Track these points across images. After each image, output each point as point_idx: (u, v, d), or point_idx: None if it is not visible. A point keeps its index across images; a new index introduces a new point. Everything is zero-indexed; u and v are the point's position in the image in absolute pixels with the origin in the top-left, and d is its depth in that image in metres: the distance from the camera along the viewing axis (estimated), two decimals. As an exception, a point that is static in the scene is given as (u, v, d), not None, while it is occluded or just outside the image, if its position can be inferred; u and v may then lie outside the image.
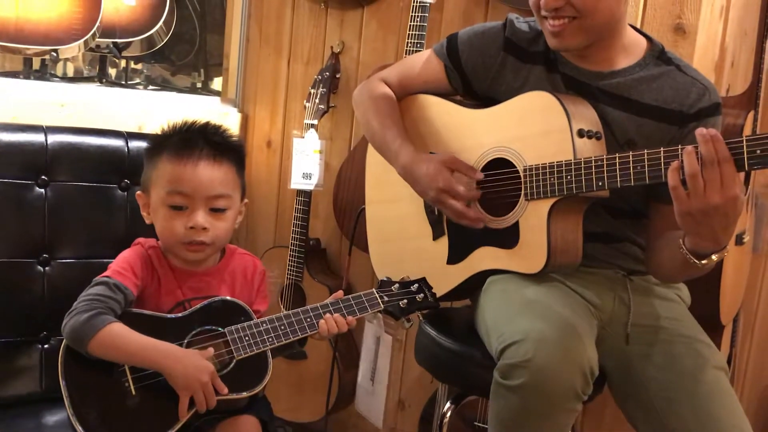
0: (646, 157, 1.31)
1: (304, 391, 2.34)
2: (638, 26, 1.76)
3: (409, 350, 2.29)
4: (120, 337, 1.28)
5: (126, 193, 1.62)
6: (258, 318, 1.41)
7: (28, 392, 1.51)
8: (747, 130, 1.85)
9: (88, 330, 1.27)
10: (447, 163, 1.53)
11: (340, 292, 1.45)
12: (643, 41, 1.54)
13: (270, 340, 1.35)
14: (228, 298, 1.41)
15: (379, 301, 1.43)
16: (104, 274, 1.36)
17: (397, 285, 1.45)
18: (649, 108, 1.48)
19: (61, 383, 1.30)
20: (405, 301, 1.44)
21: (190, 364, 1.28)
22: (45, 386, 1.52)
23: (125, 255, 1.41)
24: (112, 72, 2.87)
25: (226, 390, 1.29)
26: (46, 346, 1.53)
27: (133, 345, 1.29)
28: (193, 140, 1.39)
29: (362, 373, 2.25)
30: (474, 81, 1.63)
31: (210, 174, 1.38)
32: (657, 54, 1.51)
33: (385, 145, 1.65)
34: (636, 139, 1.48)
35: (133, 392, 1.29)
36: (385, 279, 1.48)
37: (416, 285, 1.46)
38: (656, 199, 1.49)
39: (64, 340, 1.32)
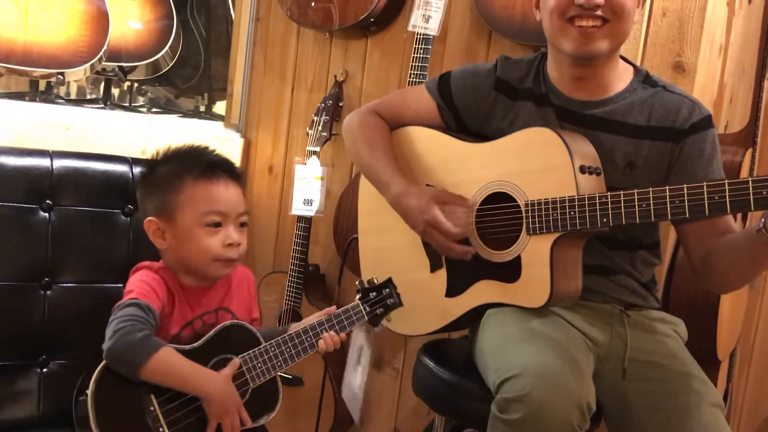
0: (651, 195, 1.33)
1: (300, 417, 2.34)
2: (638, 63, 1.79)
3: (406, 379, 2.28)
4: (172, 363, 1.32)
5: (129, 218, 1.63)
6: (255, 325, 1.47)
7: (25, 416, 1.50)
8: (745, 168, 1.88)
9: (144, 351, 1.29)
10: (436, 198, 1.55)
11: (333, 308, 1.48)
12: (630, 68, 1.58)
13: (279, 364, 1.41)
14: (237, 322, 1.44)
15: (364, 312, 1.47)
16: (130, 297, 1.36)
17: (374, 293, 1.48)
18: (643, 128, 1.51)
19: (90, 416, 1.29)
20: (381, 309, 1.48)
21: (229, 393, 1.34)
22: (42, 410, 1.51)
23: (143, 278, 1.41)
24: (116, 92, 2.89)
25: (250, 422, 1.36)
26: (44, 369, 1.53)
27: (183, 371, 1.33)
28: (210, 162, 1.46)
29: (347, 371, 2.24)
30: (466, 119, 1.65)
31: (236, 192, 1.46)
32: (642, 79, 1.56)
33: (375, 175, 1.66)
34: (635, 161, 1.51)
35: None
36: (360, 287, 1.49)
37: (387, 289, 1.49)
38: (685, 221, 1.49)
39: (98, 373, 1.30)
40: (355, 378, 2.16)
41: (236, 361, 1.37)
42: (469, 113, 1.64)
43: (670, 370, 1.46)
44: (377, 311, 1.47)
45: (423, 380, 1.63)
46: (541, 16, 1.53)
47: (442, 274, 1.62)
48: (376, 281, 1.48)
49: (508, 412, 1.29)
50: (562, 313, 1.52)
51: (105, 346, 1.30)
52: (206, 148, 1.51)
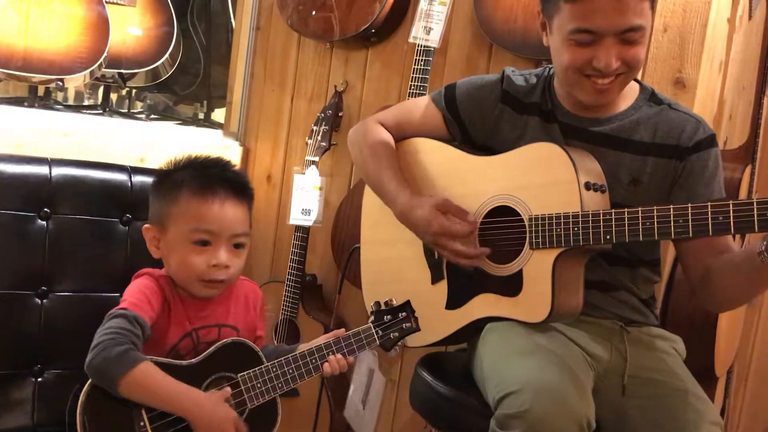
0: (655, 213, 1.32)
1: (294, 428, 2.32)
2: (640, 79, 1.79)
3: (403, 391, 2.27)
4: (152, 379, 1.27)
5: (127, 227, 1.62)
6: (259, 343, 1.44)
7: (19, 426, 1.49)
8: (744, 184, 1.88)
9: (120, 367, 1.25)
10: (438, 207, 1.54)
11: (342, 330, 1.45)
12: (636, 85, 1.58)
13: (280, 385, 1.37)
14: (239, 339, 1.41)
15: (376, 337, 1.43)
16: (121, 306, 1.34)
17: (389, 316, 1.45)
18: (648, 146, 1.51)
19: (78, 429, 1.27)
20: (396, 334, 1.45)
21: (217, 415, 1.29)
22: (36, 420, 1.50)
23: (139, 286, 1.39)
24: (114, 97, 2.89)
25: None
26: (39, 379, 1.51)
27: (164, 389, 1.28)
28: (214, 177, 1.41)
29: (354, 389, 2.24)
30: (472, 130, 1.65)
31: (235, 213, 1.40)
32: (648, 96, 1.56)
33: (381, 187, 1.66)
34: (640, 178, 1.51)
35: None
36: (375, 308, 1.47)
37: (404, 313, 1.46)
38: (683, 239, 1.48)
39: (88, 385, 1.28)
40: (367, 399, 2.17)
41: (227, 389, 1.33)
42: (475, 125, 1.64)
43: (670, 387, 1.45)
44: (390, 335, 1.43)
45: (420, 394, 1.62)
46: (551, 49, 1.50)
47: (443, 286, 1.61)
48: (393, 303, 1.45)
49: (507, 428, 1.29)
50: (562, 328, 1.51)
51: (86, 360, 1.27)
52: (219, 161, 1.47)
